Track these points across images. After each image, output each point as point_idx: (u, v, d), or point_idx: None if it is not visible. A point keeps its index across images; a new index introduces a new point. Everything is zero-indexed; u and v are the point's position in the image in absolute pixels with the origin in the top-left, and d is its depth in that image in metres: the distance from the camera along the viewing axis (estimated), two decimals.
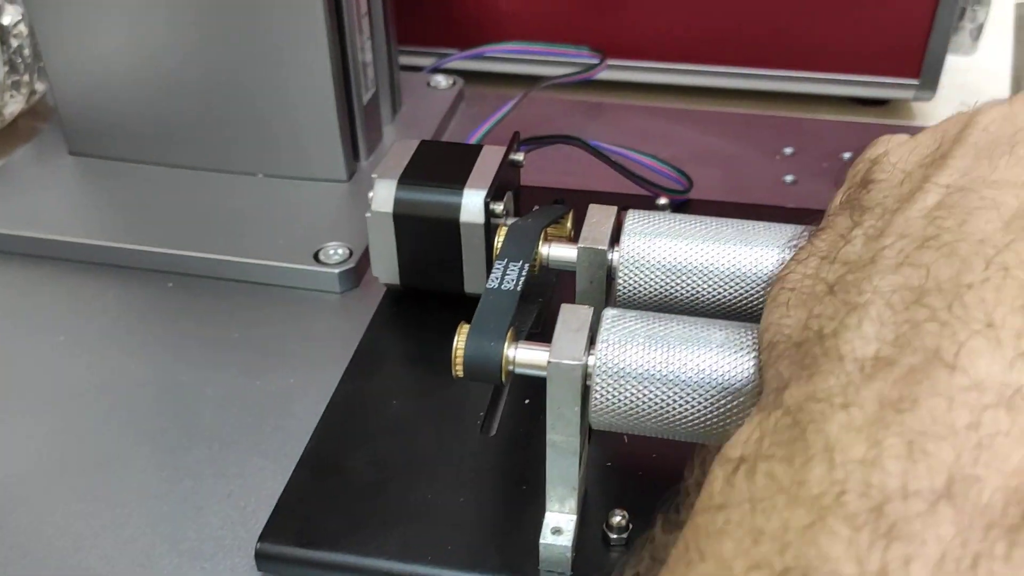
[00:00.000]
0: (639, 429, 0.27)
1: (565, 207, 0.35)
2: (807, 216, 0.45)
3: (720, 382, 0.25)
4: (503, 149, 0.38)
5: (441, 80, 0.56)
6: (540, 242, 0.31)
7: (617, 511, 0.30)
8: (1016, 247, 0.20)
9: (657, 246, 0.30)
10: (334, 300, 0.41)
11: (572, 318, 0.27)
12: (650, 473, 0.32)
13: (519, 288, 0.28)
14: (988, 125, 0.24)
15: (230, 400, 0.36)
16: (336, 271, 0.41)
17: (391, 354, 0.37)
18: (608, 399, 0.26)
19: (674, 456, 0.30)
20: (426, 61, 0.58)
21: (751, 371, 0.25)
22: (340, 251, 0.42)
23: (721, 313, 0.30)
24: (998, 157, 0.23)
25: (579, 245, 0.30)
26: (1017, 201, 0.21)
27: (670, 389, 0.25)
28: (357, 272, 0.42)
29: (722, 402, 0.25)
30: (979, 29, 0.66)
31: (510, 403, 0.35)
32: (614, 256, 0.30)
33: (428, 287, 0.38)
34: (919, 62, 0.55)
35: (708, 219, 0.31)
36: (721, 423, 0.25)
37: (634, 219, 0.31)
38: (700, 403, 0.25)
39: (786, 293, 0.23)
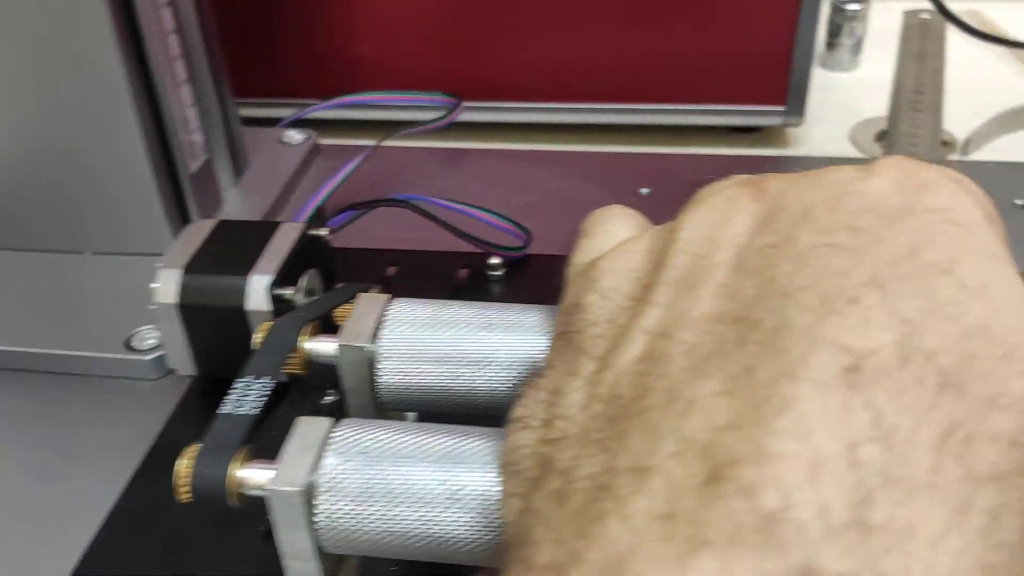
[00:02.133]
0: (383, 551, 0.25)
1: (353, 289, 0.33)
2: None
3: (443, 494, 0.23)
4: (301, 226, 0.36)
5: (295, 135, 0.54)
6: (307, 337, 0.29)
7: None
8: (707, 407, 0.17)
9: (414, 336, 0.28)
10: (147, 388, 0.39)
11: (307, 433, 0.25)
12: None
13: (256, 411, 0.26)
14: (689, 242, 0.21)
15: (11, 512, 0.34)
16: (147, 358, 0.39)
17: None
18: (334, 523, 0.24)
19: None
20: (282, 112, 0.57)
21: (474, 484, 0.23)
22: (155, 335, 0.40)
23: (496, 406, 0.28)
24: (698, 287, 0.20)
25: (339, 341, 0.28)
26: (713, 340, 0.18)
27: (397, 507, 0.24)
28: None
29: (446, 515, 0.23)
30: (858, 44, 0.65)
31: None
32: (372, 350, 0.28)
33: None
34: (783, 88, 0.54)
35: (477, 305, 0.29)
36: (454, 539, 0.24)
37: (395, 309, 0.29)
38: (425, 517, 0.23)
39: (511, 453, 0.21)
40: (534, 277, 0.43)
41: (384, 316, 0.29)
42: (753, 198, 0.21)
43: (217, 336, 0.35)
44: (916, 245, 0.18)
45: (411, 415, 0.32)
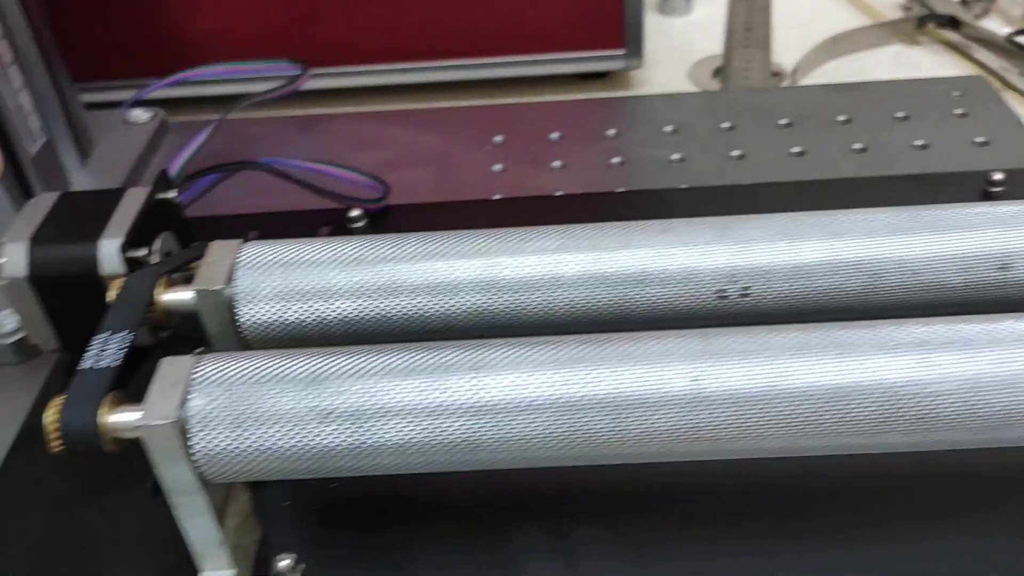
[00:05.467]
0: (261, 475, 0.25)
1: (203, 244, 0.33)
2: (507, 206, 0.45)
3: (313, 412, 0.24)
4: (147, 190, 0.35)
5: (141, 114, 0.53)
6: (161, 290, 0.29)
7: (282, 555, 0.29)
8: None
9: (270, 276, 0.28)
10: (12, 372, 0.38)
11: (170, 372, 0.25)
12: (328, 506, 0.31)
13: (116, 363, 0.26)
14: None
15: None
16: (7, 341, 0.38)
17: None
18: (209, 452, 0.24)
19: (353, 483, 0.30)
20: (127, 94, 0.55)
21: (335, 396, 0.24)
22: (12, 319, 0.39)
23: (356, 334, 0.29)
24: None
25: (194, 287, 0.29)
26: None
27: (267, 430, 0.24)
28: None
29: (321, 431, 0.24)
30: None
31: None
32: (230, 293, 0.29)
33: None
34: (620, 31, 0.56)
35: (332, 240, 0.30)
36: (328, 451, 0.25)
37: (248, 252, 0.29)
38: (298, 438, 0.24)
39: None
40: (396, 227, 0.44)
41: (237, 260, 0.29)
42: None
43: (75, 306, 0.34)
44: None
45: None
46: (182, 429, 0.24)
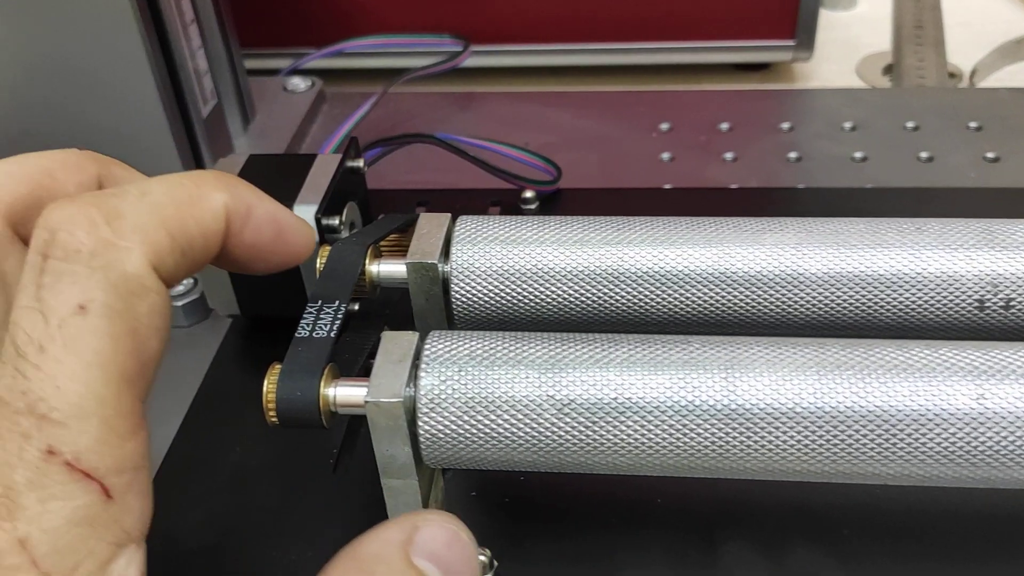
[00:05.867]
0: (482, 463, 0.24)
1: (406, 216, 0.32)
2: (680, 197, 0.43)
3: (551, 401, 0.23)
4: (338, 157, 0.34)
5: (299, 83, 0.52)
6: (368, 261, 0.28)
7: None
8: None
9: (489, 253, 0.27)
10: (181, 335, 0.38)
11: (393, 347, 0.24)
12: (519, 499, 0.29)
13: (333, 335, 0.25)
14: None
15: None
16: (179, 303, 0.38)
17: (234, 394, 0.34)
18: (436, 435, 0.23)
19: (543, 477, 0.28)
20: (283, 63, 0.55)
21: (574, 385, 0.22)
22: (184, 281, 0.38)
23: (568, 321, 0.27)
24: None
25: (407, 260, 0.27)
26: None
27: (500, 416, 0.23)
28: (204, 302, 0.38)
29: (555, 423, 0.23)
30: None
31: (368, 435, 0.32)
32: (445, 268, 0.27)
33: (272, 314, 0.35)
34: (793, 22, 0.53)
35: (550, 219, 0.28)
36: (559, 446, 0.23)
37: (464, 226, 0.28)
38: (532, 427, 0.23)
39: None
40: (567, 211, 0.42)
41: (453, 234, 0.28)
42: None
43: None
44: None
45: None
46: (410, 409, 0.23)
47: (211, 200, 0.21)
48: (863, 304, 0.25)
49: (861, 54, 0.60)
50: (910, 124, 0.48)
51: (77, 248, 0.18)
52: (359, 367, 0.27)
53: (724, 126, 0.48)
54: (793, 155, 0.46)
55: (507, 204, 0.42)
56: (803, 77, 0.58)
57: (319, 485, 0.30)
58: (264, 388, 0.24)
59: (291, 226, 0.23)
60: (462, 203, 0.43)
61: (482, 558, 0.27)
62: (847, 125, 0.48)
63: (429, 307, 0.28)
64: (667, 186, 0.44)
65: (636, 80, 0.56)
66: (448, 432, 0.23)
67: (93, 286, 0.18)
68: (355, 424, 0.32)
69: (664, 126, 0.49)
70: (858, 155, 0.46)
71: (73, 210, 0.18)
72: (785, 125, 0.48)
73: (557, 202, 0.43)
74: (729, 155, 0.46)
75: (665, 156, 0.47)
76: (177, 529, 0.29)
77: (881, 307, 0.25)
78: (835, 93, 0.51)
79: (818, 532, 0.27)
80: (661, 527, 0.28)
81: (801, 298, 0.26)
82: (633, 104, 0.51)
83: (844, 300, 0.26)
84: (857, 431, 0.22)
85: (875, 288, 0.25)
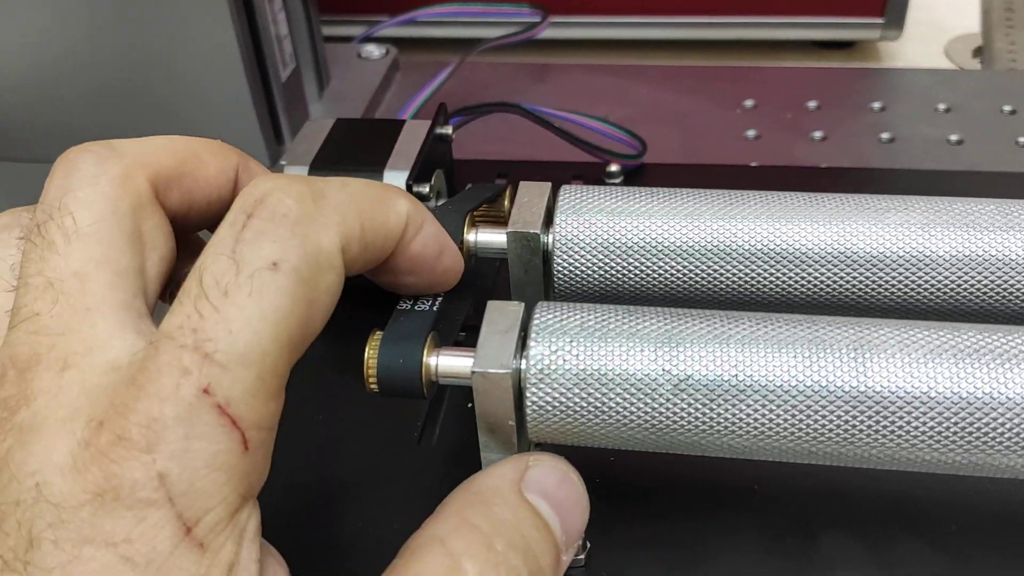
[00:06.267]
0: (589, 439, 0.23)
1: (498, 185, 0.31)
2: (769, 175, 0.42)
3: (666, 378, 0.21)
4: (427, 124, 0.34)
5: (373, 50, 0.52)
6: (466, 229, 0.27)
7: None
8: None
9: (595, 224, 0.26)
10: None
11: (499, 317, 0.23)
12: (610, 480, 0.28)
13: (435, 308, 0.24)
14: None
15: None
16: None
17: (316, 360, 0.33)
18: (545, 408, 0.22)
19: (634, 458, 0.27)
20: (357, 30, 0.54)
21: (692, 361, 0.21)
22: None
23: (672, 297, 0.26)
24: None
25: (508, 229, 0.27)
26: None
27: (612, 390, 0.22)
28: None
29: (671, 400, 0.22)
30: None
31: (452, 406, 0.31)
32: (548, 239, 0.26)
33: (358, 282, 0.34)
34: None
35: (656, 190, 0.27)
36: (674, 424, 0.22)
37: (568, 196, 0.27)
38: (646, 403, 0.22)
39: None
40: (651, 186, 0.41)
41: (556, 203, 0.27)
42: None
43: None
44: None
45: None
46: (519, 380, 0.22)
47: (397, 204, 0.22)
48: (994, 288, 0.24)
49: (947, 35, 0.58)
50: (1007, 108, 0.46)
51: (285, 213, 0.19)
52: (453, 338, 0.27)
53: (812, 104, 0.47)
54: (885, 136, 0.44)
55: (590, 178, 0.41)
56: (888, 57, 0.56)
57: (402, 456, 0.29)
58: (365, 355, 0.23)
59: (451, 250, 0.24)
60: (543, 175, 0.41)
61: None
62: (941, 107, 0.46)
63: (528, 278, 0.27)
64: (754, 163, 0.43)
65: (712, 55, 0.55)
66: (557, 405, 0.22)
67: (290, 249, 0.18)
68: (440, 396, 0.31)
69: (748, 103, 0.47)
70: (953, 138, 0.44)
71: (285, 182, 0.19)
72: (876, 105, 0.46)
73: (641, 177, 0.42)
74: (818, 134, 0.45)
75: (750, 133, 0.45)
76: (260, 495, 0.28)
77: (1014, 292, 0.24)
78: (927, 74, 0.49)
79: (924, 526, 0.26)
80: (756, 514, 0.27)
81: (927, 281, 0.24)
82: (715, 79, 0.50)
83: (974, 284, 0.24)
84: (995, 419, 0.20)
85: (1008, 272, 0.24)
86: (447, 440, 0.30)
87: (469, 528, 0.20)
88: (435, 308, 0.24)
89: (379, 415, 0.31)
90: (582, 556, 0.26)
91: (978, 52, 0.56)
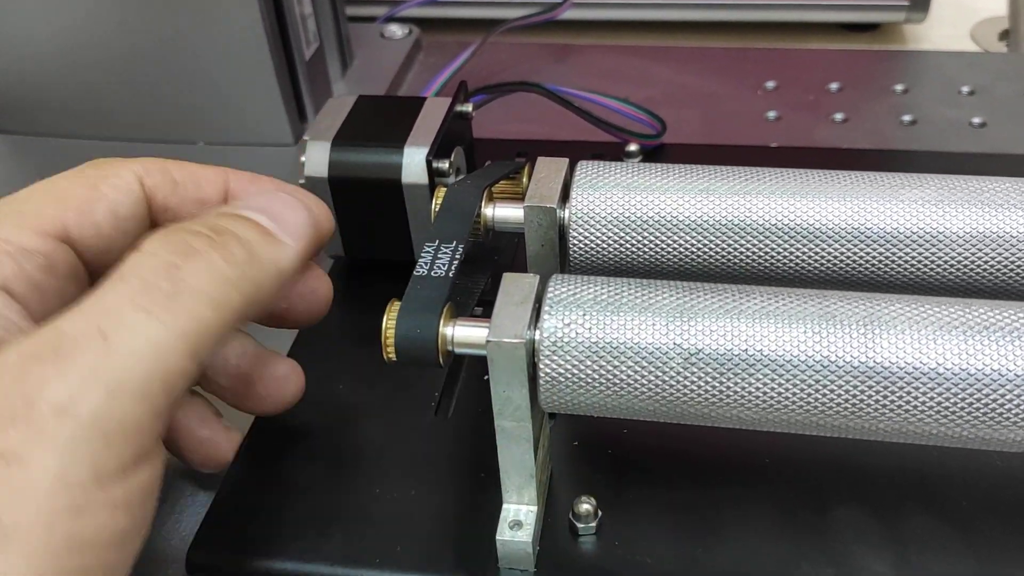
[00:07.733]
0: (599, 409, 0.24)
1: (518, 162, 0.31)
2: (788, 155, 0.42)
3: (675, 348, 0.22)
4: (448, 101, 0.34)
5: (396, 30, 0.52)
6: (483, 203, 0.28)
7: (584, 498, 0.27)
8: None
9: (610, 199, 0.26)
10: None
11: (514, 289, 0.24)
12: (622, 451, 0.29)
13: (451, 274, 0.24)
14: None
15: None
16: None
17: (336, 332, 0.34)
18: (557, 378, 0.23)
19: (646, 431, 0.28)
20: (379, 11, 0.54)
21: (703, 335, 0.22)
22: None
23: (686, 272, 0.27)
24: None
25: (525, 204, 0.27)
26: None
27: (623, 362, 0.22)
28: None
29: (682, 372, 0.22)
30: None
31: (469, 380, 0.31)
32: (564, 214, 0.27)
33: (375, 256, 0.35)
34: None
35: (672, 166, 0.27)
36: (685, 396, 0.22)
37: (585, 171, 0.27)
38: (657, 375, 0.22)
39: None
40: None
41: (573, 179, 0.27)
42: None
43: (366, 212, 0.33)
44: None
45: None
46: (533, 350, 0.23)
47: None
48: (1007, 266, 0.24)
49: (973, 18, 0.58)
50: None
51: None
52: (469, 311, 0.27)
53: (833, 86, 0.47)
54: (907, 118, 0.44)
55: (609, 157, 0.41)
56: (914, 39, 0.55)
57: (420, 426, 0.30)
58: (383, 324, 0.24)
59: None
60: (562, 154, 0.41)
61: (587, 506, 0.26)
62: (965, 89, 0.46)
63: (544, 253, 0.27)
64: (774, 144, 0.43)
65: (737, 37, 0.55)
66: (569, 376, 0.23)
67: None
68: (456, 367, 0.32)
69: (770, 84, 0.47)
70: (976, 120, 0.44)
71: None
72: (899, 87, 0.46)
73: (660, 157, 0.42)
74: (839, 116, 0.45)
75: (771, 115, 0.45)
76: (280, 464, 0.29)
77: None
78: (951, 56, 0.49)
79: (936, 502, 0.26)
80: (769, 485, 0.27)
81: (939, 257, 0.24)
82: (736, 61, 0.50)
83: (987, 261, 0.24)
84: (1003, 395, 0.21)
85: (1021, 249, 0.24)
86: (463, 411, 0.30)
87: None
88: (451, 274, 0.25)
89: (398, 387, 0.31)
90: (592, 524, 0.26)
91: (1004, 35, 0.56)
